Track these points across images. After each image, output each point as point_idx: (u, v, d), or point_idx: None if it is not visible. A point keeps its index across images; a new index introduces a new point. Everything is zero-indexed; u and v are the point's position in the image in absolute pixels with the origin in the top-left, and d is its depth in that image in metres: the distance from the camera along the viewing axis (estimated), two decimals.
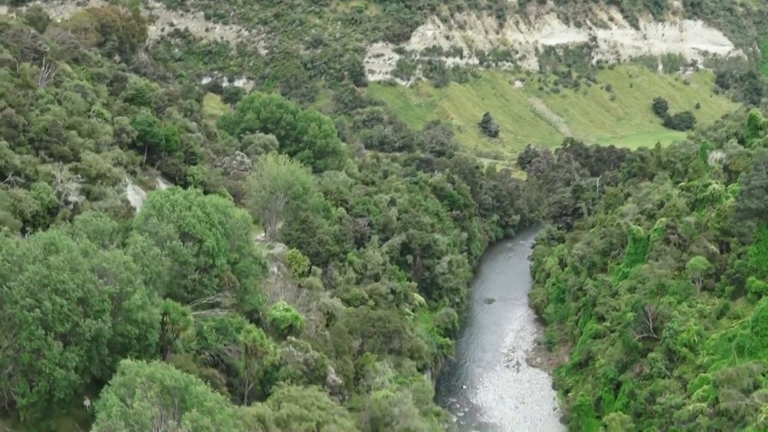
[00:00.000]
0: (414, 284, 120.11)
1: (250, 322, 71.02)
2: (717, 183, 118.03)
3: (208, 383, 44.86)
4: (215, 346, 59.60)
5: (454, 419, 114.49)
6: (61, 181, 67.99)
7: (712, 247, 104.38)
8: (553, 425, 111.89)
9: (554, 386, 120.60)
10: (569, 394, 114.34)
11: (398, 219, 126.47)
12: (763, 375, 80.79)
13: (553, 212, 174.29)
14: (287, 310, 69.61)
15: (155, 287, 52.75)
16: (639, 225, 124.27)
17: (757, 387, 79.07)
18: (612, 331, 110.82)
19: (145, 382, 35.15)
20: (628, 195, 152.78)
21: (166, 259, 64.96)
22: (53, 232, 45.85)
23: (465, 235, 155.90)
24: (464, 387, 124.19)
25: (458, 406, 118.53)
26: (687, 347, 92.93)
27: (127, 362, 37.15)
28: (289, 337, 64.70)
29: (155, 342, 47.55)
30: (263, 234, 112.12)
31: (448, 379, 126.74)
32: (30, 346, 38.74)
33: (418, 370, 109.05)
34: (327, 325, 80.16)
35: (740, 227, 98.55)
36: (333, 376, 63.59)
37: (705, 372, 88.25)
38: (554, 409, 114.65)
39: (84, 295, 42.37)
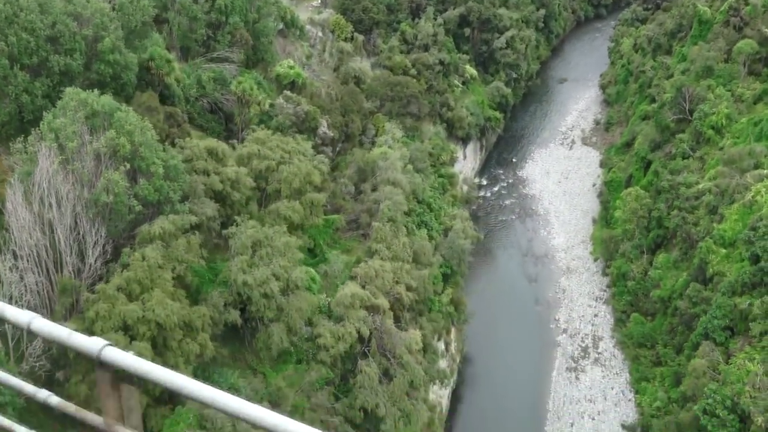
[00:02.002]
0: (467, 57, 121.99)
1: (264, 78, 77.29)
2: None
3: (170, 118, 51.91)
4: (212, 94, 66.34)
5: (495, 188, 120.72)
6: None
7: (767, 30, 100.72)
8: (589, 199, 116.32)
9: (601, 164, 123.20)
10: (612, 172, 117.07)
11: None
12: (767, 157, 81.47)
13: None
14: (291, 67, 74.91)
15: (144, 34, 59.03)
16: (710, 6, 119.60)
17: (757, 167, 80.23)
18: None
19: (77, 105, 42.05)
20: None
21: (182, 16, 71.14)
22: None
23: (542, 12, 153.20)
24: (514, 160, 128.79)
25: (503, 176, 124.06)
26: (713, 129, 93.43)
27: (68, 89, 44.00)
28: (285, 91, 70.50)
29: (130, 81, 54.31)
30: (319, 0, 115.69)
31: (500, 152, 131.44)
32: None
33: (461, 139, 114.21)
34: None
35: None
36: (324, 129, 69.57)
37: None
38: (593, 185, 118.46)
39: (54, 34, 48.98)
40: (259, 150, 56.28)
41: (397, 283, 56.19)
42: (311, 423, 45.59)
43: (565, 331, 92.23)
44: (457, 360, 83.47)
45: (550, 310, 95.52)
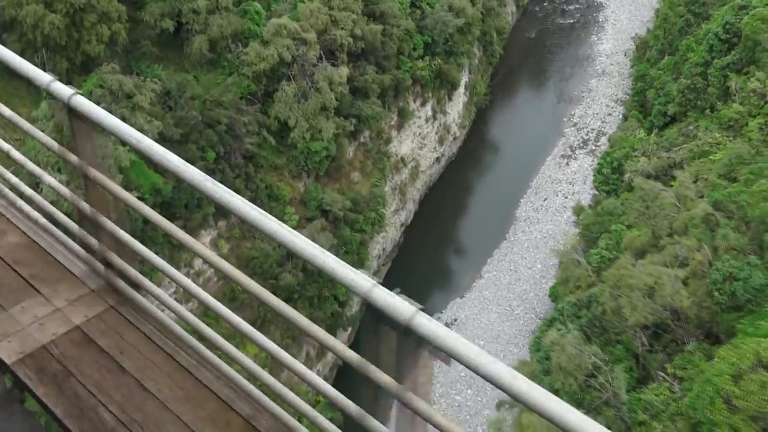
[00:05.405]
0: None
1: None
2: None
3: None
4: None
5: None
6: None
7: None
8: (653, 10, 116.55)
9: None
10: None
11: None
12: None
13: None
14: None
15: None
16: None
17: None
18: None
19: None
20: None
21: None
22: None
23: None
24: None
25: None
26: None
27: None
28: None
29: None
30: None
31: None
32: None
33: None
34: None
35: None
36: None
37: None
38: None
39: None
40: None
41: (342, 29, 65.09)
42: (216, 116, 57.34)
43: (575, 125, 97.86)
44: (455, 133, 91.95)
45: (570, 106, 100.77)
